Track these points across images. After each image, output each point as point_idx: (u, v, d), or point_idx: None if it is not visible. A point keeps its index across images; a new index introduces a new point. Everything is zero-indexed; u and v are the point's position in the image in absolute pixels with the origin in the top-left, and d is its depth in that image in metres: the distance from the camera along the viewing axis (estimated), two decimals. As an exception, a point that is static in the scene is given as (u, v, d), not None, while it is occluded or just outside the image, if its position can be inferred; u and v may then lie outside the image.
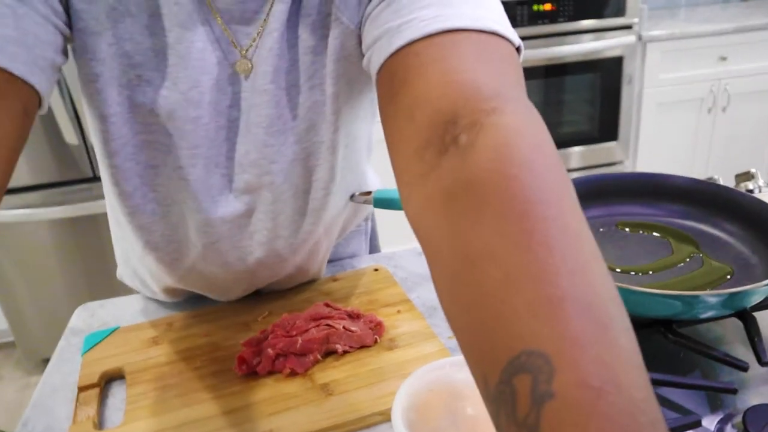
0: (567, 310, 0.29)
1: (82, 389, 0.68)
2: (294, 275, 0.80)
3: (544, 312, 0.29)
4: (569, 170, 2.52)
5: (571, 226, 0.33)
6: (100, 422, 0.65)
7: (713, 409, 0.59)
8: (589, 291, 0.30)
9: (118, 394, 0.69)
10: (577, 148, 2.54)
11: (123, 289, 1.52)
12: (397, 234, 2.39)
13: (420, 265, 0.89)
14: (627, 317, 0.30)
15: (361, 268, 0.88)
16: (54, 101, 1.86)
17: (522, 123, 0.38)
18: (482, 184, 0.35)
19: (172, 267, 0.73)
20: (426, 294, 0.81)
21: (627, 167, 2.57)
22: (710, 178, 0.89)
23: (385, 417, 0.61)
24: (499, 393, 0.29)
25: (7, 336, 2.33)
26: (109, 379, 0.71)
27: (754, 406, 0.57)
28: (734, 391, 0.59)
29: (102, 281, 2.15)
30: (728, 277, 0.71)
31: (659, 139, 2.58)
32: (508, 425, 0.28)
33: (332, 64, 0.62)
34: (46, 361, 2.23)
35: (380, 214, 1.01)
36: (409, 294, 0.81)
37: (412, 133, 0.42)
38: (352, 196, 0.78)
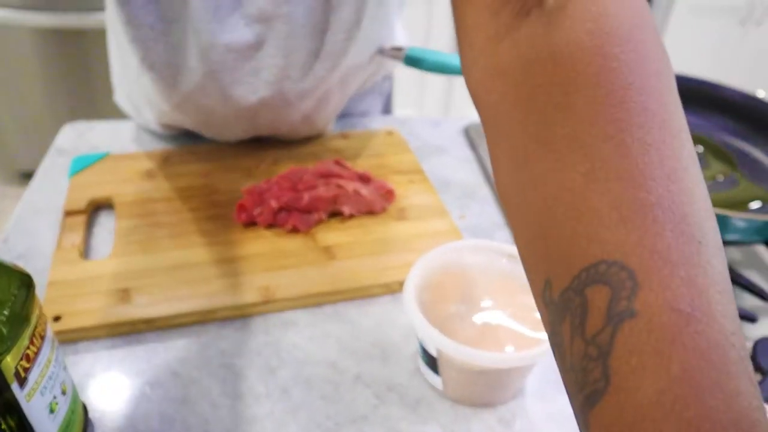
0: (659, 220, 0.25)
1: (68, 214, 0.64)
2: (299, 126, 0.74)
3: (633, 218, 0.25)
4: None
5: (672, 123, 0.28)
6: (85, 251, 0.61)
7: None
8: (685, 201, 0.25)
9: (105, 224, 0.65)
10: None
11: (108, 114, 1.46)
12: (411, 99, 2.31)
13: (435, 136, 0.84)
14: (719, 235, 0.26)
15: (373, 129, 0.82)
16: None
17: None
18: (573, 59, 0.29)
19: (168, 91, 0.67)
20: (439, 168, 0.77)
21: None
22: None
23: (387, 290, 0.58)
24: (564, 301, 0.26)
25: None
26: (96, 207, 0.67)
27: (765, 338, 0.55)
28: (754, 320, 0.57)
29: (85, 101, 2.04)
30: (761, 202, 0.67)
31: (684, 47, 2.42)
32: (571, 338, 0.25)
33: None
34: (22, 174, 2.17)
35: (398, 75, 0.94)
36: (422, 164, 0.76)
37: None
38: (381, 50, 0.71)
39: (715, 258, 0.25)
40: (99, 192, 0.67)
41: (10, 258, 0.59)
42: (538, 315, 0.50)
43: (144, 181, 0.69)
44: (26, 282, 0.40)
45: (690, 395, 0.21)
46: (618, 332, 0.23)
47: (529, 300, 0.51)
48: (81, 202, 0.65)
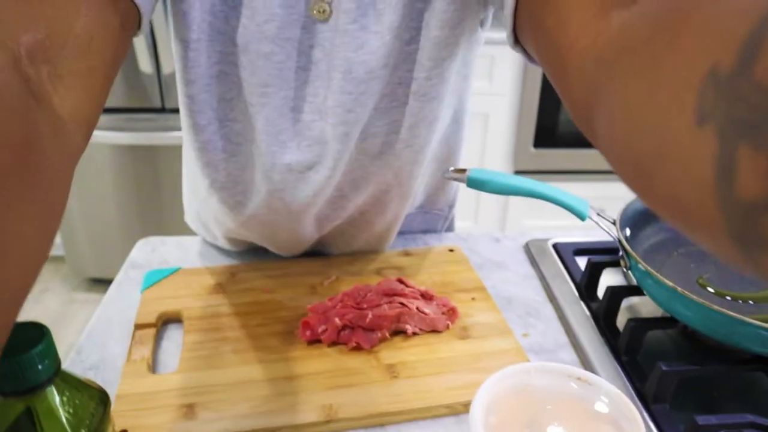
0: None
1: (139, 327, 0.67)
2: (358, 222, 0.76)
3: None
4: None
5: None
6: (153, 365, 0.63)
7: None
8: None
9: (173, 337, 0.67)
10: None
11: (175, 229, 1.51)
12: (468, 212, 2.33)
13: (496, 253, 0.84)
14: None
15: (434, 246, 0.84)
16: (133, 26, 1.86)
17: None
18: None
19: (235, 210, 0.71)
20: (501, 284, 0.77)
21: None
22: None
23: (452, 410, 0.57)
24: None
25: (58, 250, 2.34)
26: (165, 321, 0.69)
27: None
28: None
29: (154, 215, 2.16)
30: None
31: None
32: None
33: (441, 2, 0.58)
34: (92, 280, 2.28)
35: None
36: (483, 281, 0.77)
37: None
38: (445, 172, 0.73)
39: None
40: (169, 306, 0.70)
41: (82, 369, 0.61)
42: (608, 442, 0.48)
43: (212, 296, 0.71)
44: (103, 399, 0.41)
45: None
46: None
47: (599, 426, 0.50)
48: (152, 316, 0.68)
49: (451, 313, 0.67)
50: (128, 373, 0.60)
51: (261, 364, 0.61)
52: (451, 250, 0.82)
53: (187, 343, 0.64)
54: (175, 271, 0.76)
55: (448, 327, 0.66)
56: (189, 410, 0.56)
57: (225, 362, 0.62)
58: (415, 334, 0.65)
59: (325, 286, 0.74)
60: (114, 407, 0.56)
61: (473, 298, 0.72)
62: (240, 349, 0.63)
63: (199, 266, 0.78)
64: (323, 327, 0.63)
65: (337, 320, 0.63)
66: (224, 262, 0.80)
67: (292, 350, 0.63)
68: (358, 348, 0.63)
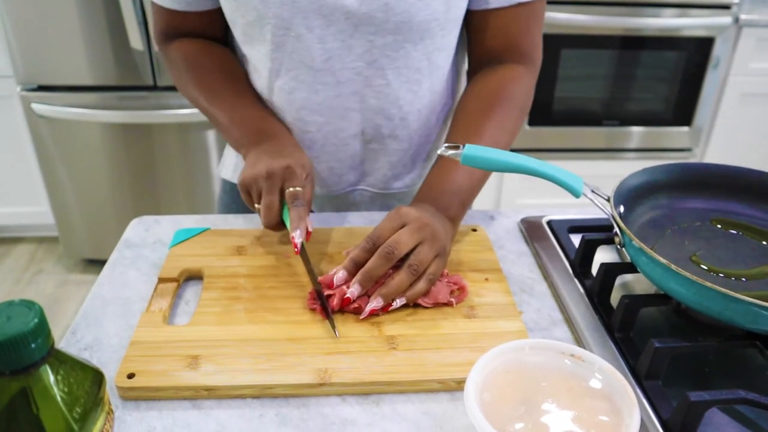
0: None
1: (161, 281, 0.59)
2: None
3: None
4: (627, 150, 2.11)
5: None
6: (169, 316, 0.55)
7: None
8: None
9: (193, 293, 0.59)
10: (639, 128, 2.07)
11: (169, 208, 1.38)
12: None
13: (491, 230, 0.71)
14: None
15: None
16: (124, 3, 1.54)
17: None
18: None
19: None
20: (518, 269, 0.65)
21: (695, 157, 2.21)
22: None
23: (445, 386, 0.48)
24: None
25: (53, 230, 1.96)
26: (188, 277, 0.61)
27: None
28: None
29: (148, 194, 1.83)
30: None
31: (736, 132, 2.09)
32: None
33: None
34: (86, 261, 1.95)
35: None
36: (502, 263, 0.65)
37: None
38: (440, 150, 0.62)
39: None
40: (192, 263, 0.61)
41: (77, 349, 0.52)
42: (603, 418, 0.40)
43: (233, 257, 0.63)
44: (98, 378, 0.35)
45: None
46: None
47: (593, 402, 0.41)
48: (175, 271, 0.60)
49: (460, 291, 0.57)
50: (144, 322, 0.53)
51: (267, 325, 0.53)
52: (474, 230, 0.70)
53: (203, 299, 0.56)
54: (204, 231, 0.68)
55: (453, 304, 0.56)
56: (193, 361, 0.49)
57: (234, 320, 0.53)
58: (418, 306, 0.55)
59: (343, 255, 0.63)
60: (126, 352, 0.49)
61: (487, 279, 0.61)
62: (250, 308, 0.55)
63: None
64: (332, 292, 0.54)
65: (345, 288, 0.54)
66: (222, 242, 0.67)
67: (298, 314, 0.54)
68: (358, 311, 0.54)
